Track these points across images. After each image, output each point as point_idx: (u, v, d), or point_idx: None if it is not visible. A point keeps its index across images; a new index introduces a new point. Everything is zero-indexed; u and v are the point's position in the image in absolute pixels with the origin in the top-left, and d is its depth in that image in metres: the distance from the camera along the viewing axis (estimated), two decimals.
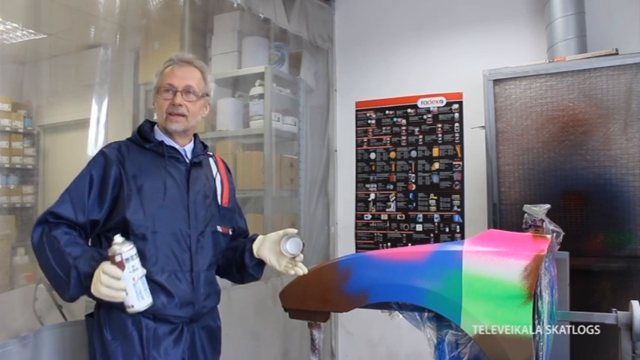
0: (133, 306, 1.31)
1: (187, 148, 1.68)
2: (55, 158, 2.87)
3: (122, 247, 1.29)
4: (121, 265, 1.28)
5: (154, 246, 1.51)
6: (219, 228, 1.68)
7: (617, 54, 2.37)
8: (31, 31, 2.03)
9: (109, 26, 2.18)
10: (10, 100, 3.33)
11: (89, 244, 1.55)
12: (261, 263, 1.67)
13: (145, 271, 1.34)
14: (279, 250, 1.59)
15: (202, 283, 1.59)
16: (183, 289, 1.54)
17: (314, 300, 1.48)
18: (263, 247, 1.64)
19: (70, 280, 1.36)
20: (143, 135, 1.62)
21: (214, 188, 1.72)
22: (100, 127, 2.07)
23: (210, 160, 1.77)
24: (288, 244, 1.57)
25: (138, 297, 1.30)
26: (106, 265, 1.30)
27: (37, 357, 1.65)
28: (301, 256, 1.58)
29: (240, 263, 1.69)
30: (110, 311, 1.47)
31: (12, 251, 2.03)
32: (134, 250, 1.31)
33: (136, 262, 1.31)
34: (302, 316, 1.54)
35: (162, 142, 1.61)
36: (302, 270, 1.57)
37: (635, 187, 2.26)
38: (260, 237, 1.68)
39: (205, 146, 1.76)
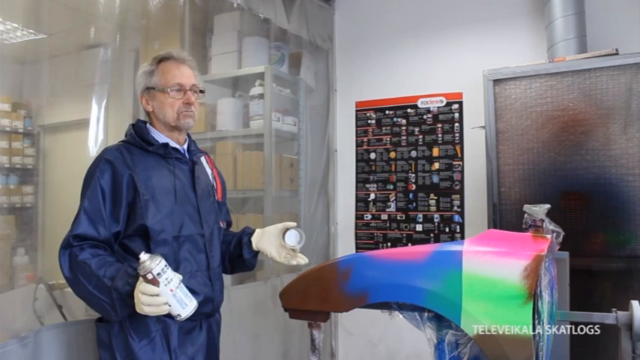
0: (179, 315, 1.32)
1: (184, 147, 1.69)
2: (55, 158, 2.86)
3: (151, 264, 1.28)
4: (155, 282, 1.29)
5: (174, 251, 1.53)
6: (221, 224, 1.74)
7: (617, 54, 2.37)
8: (31, 31, 2.02)
9: (109, 26, 2.18)
10: (10, 100, 3.32)
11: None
12: (255, 256, 1.75)
13: (181, 277, 1.34)
14: (279, 243, 1.67)
15: (217, 280, 1.64)
16: (204, 287, 1.58)
17: (314, 300, 1.47)
18: (262, 240, 1.70)
19: (114, 302, 1.37)
20: (143, 137, 1.60)
21: (212, 185, 1.75)
22: (99, 127, 2.07)
23: (202, 157, 1.79)
24: (292, 236, 1.66)
25: (181, 305, 1.32)
26: (141, 286, 1.31)
27: (37, 357, 1.65)
28: (299, 247, 1.66)
29: (236, 255, 1.75)
30: (132, 315, 1.45)
31: (12, 251, 2.02)
32: (163, 262, 1.30)
33: (169, 272, 1.31)
34: (302, 316, 1.53)
35: (166, 144, 1.61)
36: (303, 260, 1.66)
37: (635, 187, 2.26)
38: (258, 230, 1.74)
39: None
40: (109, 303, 1.38)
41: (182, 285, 1.33)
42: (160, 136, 1.64)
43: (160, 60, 1.63)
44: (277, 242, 1.68)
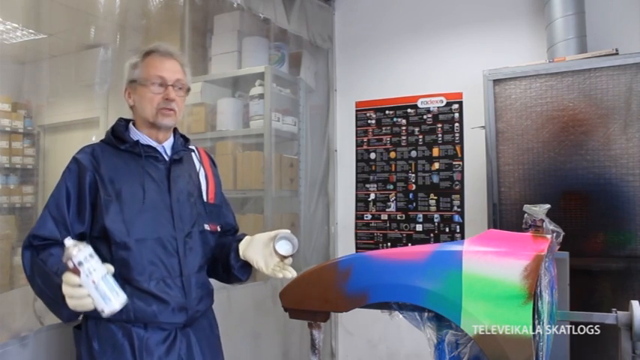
0: (103, 310, 1.20)
1: (167, 145, 1.58)
2: (55, 158, 2.87)
3: (73, 251, 1.17)
4: (75, 271, 1.18)
5: (138, 254, 1.43)
6: (206, 227, 1.60)
7: (617, 54, 2.37)
8: (31, 31, 2.02)
9: (109, 26, 2.18)
10: (10, 100, 3.33)
11: None
12: (247, 265, 1.59)
13: (107, 270, 1.22)
14: (268, 252, 1.50)
15: (194, 287, 1.52)
16: (175, 295, 1.47)
17: (314, 300, 1.47)
18: (250, 248, 1.55)
19: (59, 300, 1.26)
20: (118, 135, 1.53)
21: (198, 185, 1.63)
22: (99, 127, 2.07)
23: (193, 154, 1.69)
24: (283, 243, 1.49)
25: (104, 299, 1.19)
26: (64, 275, 1.21)
27: (37, 357, 1.65)
28: (290, 259, 1.51)
29: (225, 263, 1.61)
30: (98, 322, 1.41)
31: (12, 251, 2.03)
32: (88, 251, 1.19)
33: (93, 262, 1.19)
34: (302, 316, 1.53)
35: (137, 141, 1.52)
36: (291, 273, 1.49)
37: (635, 187, 2.26)
38: (247, 237, 1.60)
39: (186, 140, 1.67)
40: (55, 301, 1.30)
41: (109, 278, 1.20)
42: (137, 134, 1.55)
43: (146, 53, 1.55)
44: (266, 251, 1.50)
